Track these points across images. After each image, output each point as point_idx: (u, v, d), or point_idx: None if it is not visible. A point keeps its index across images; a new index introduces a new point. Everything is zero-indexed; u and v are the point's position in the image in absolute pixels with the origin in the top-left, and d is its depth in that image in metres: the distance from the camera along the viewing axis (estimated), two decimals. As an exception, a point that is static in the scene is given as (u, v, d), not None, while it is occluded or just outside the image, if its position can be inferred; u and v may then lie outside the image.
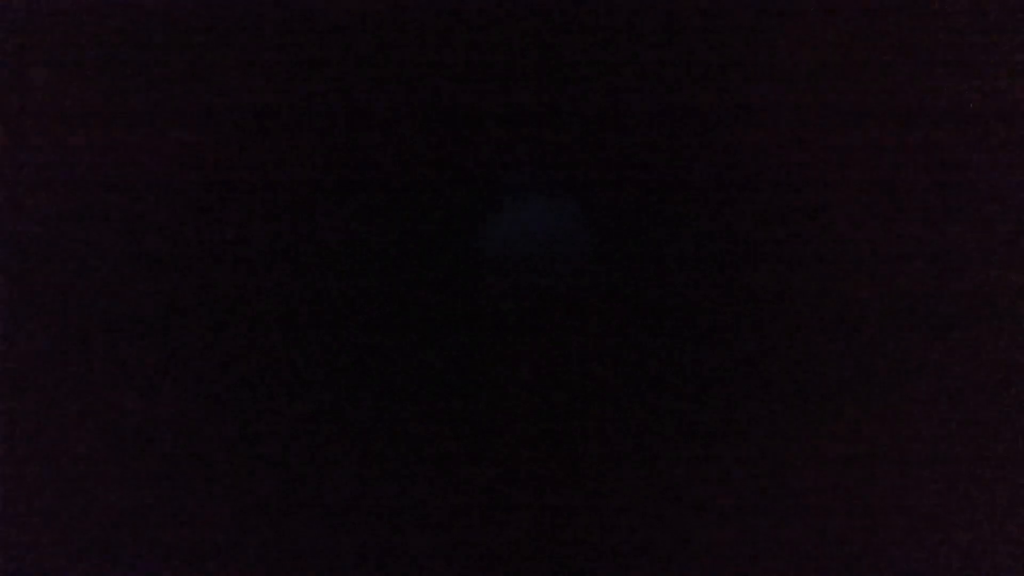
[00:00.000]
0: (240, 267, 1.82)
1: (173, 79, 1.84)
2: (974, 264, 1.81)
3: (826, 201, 1.82)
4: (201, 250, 1.83)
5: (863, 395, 1.81)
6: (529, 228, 1.80)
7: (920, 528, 1.79)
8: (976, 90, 1.82)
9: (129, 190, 1.83)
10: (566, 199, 1.81)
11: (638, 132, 1.82)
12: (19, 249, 1.82)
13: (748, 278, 1.82)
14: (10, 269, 1.82)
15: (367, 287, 1.83)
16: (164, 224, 1.83)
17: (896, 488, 1.80)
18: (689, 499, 1.80)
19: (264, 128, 1.84)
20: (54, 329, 1.82)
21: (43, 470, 1.81)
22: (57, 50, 1.84)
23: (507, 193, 1.80)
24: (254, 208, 1.83)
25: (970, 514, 1.79)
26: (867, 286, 1.81)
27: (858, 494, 1.80)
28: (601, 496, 1.80)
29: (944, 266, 1.81)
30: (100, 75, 1.84)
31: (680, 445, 1.81)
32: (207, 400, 1.81)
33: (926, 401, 1.81)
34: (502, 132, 1.83)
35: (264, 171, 1.84)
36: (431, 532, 1.81)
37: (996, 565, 1.78)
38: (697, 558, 1.80)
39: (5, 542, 1.81)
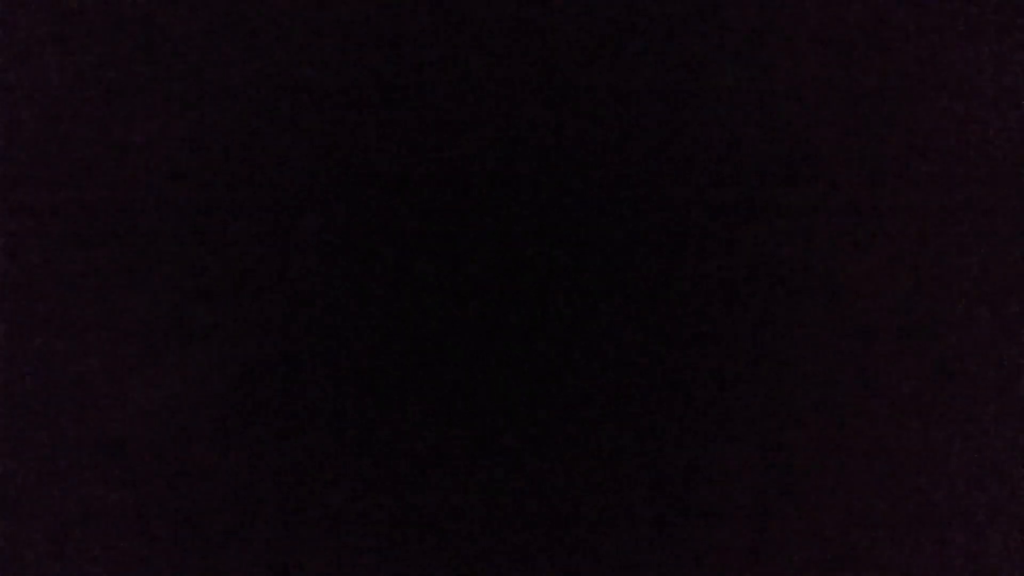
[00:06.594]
0: (241, 266, 1.83)
1: (173, 77, 1.84)
2: (974, 264, 1.81)
3: (826, 200, 1.83)
4: (201, 250, 1.83)
5: (862, 395, 1.81)
6: (526, 226, 1.80)
7: (920, 528, 1.79)
8: (976, 89, 1.83)
9: (129, 188, 1.84)
10: (564, 197, 1.81)
11: (637, 131, 1.83)
12: (19, 249, 1.82)
13: (747, 277, 1.82)
14: (10, 269, 1.82)
15: (366, 287, 1.83)
16: (164, 224, 1.83)
17: (896, 488, 1.80)
18: (688, 499, 1.80)
19: (266, 128, 1.84)
20: (54, 329, 1.82)
21: (41, 470, 1.81)
22: (56, 47, 1.84)
23: (504, 192, 1.80)
24: (255, 208, 1.83)
25: (970, 514, 1.79)
26: (867, 286, 1.82)
27: (857, 494, 1.80)
28: (601, 496, 1.81)
29: (944, 266, 1.81)
30: (100, 73, 1.84)
31: (680, 445, 1.81)
32: (207, 400, 1.82)
33: (926, 401, 1.81)
34: (500, 131, 1.83)
35: (267, 171, 1.84)
36: (430, 532, 1.81)
37: (996, 565, 1.79)
38: (697, 558, 1.80)
39: (5, 542, 1.81)
